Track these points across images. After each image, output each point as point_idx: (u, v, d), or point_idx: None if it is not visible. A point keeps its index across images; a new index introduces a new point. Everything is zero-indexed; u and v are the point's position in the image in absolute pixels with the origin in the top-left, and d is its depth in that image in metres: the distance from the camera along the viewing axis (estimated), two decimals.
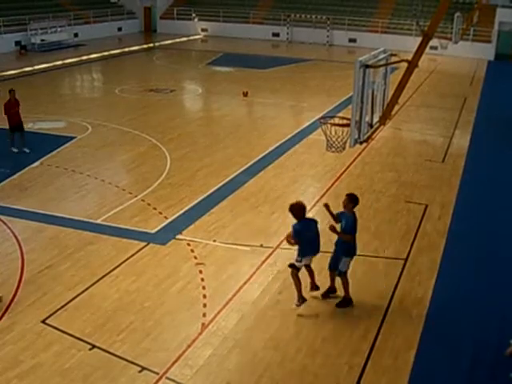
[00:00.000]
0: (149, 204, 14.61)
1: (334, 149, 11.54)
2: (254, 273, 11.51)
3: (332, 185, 16.14)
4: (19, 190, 15.79)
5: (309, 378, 8.72)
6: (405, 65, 11.20)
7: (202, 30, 49.13)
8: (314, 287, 10.56)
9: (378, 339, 9.57)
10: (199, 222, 13.69)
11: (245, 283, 11.13)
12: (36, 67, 33.34)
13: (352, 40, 44.28)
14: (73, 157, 18.09)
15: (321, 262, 10.84)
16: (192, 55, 41.44)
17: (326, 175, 16.90)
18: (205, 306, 10.36)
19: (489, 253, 12.75)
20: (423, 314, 10.27)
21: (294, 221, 10.16)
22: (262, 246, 12.50)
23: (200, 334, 9.62)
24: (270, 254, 12.17)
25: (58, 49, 39.79)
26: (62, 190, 15.64)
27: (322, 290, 10.73)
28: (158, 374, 8.67)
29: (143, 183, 15.98)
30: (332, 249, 10.64)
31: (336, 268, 10.51)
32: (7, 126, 18.17)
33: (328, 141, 11.52)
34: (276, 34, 46.82)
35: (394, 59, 11.49)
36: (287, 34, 46.26)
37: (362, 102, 10.09)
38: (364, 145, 11.84)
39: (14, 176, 16.46)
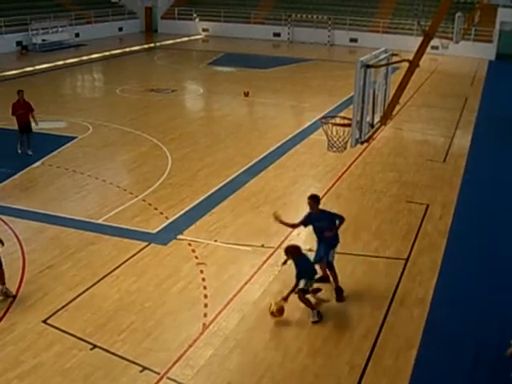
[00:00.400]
0: (150, 204, 14.61)
1: (335, 149, 11.55)
2: (255, 273, 11.51)
3: (333, 185, 16.14)
4: (20, 189, 15.81)
5: (309, 378, 8.72)
6: (406, 65, 11.20)
7: (203, 29, 49.13)
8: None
9: (378, 339, 9.57)
10: (200, 222, 13.70)
11: (246, 283, 11.13)
12: (37, 67, 33.36)
13: (353, 40, 44.27)
14: (74, 157, 18.09)
15: None
16: (193, 55, 41.46)
17: (326, 175, 16.90)
18: (206, 306, 10.36)
19: (490, 253, 12.74)
20: (424, 314, 10.27)
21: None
22: (263, 246, 12.50)
23: (201, 334, 9.62)
24: (271, 254, 12.16)
25: (59, 49, 39.80)
26: (63, 190, 15.64)
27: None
28: (159, 374, 8.67)
29: (144, 183, 15.99)
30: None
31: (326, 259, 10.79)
32: (14, 127, 18.17)
33: (329, 141, 11.52)
34: (277, 34, 46.83)
35: (395, 59, 11.50)
36: (288, 33, 46.27)
37: (363, 102, 10.10)
38: (365, 145, 11.83)
39: (15, 176, 16.47)
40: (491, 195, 16.06)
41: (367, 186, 16.12)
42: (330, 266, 10.88)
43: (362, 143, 10.74)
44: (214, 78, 33.22)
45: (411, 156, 19.04)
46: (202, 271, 11.48)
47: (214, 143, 19.80)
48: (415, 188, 16.14)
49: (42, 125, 20.57)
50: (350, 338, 9.61)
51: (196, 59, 39.87)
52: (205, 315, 10.09)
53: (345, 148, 11.44)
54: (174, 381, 8.58)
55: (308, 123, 22.07)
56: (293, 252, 10.25)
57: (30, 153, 17.99)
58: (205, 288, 10.90)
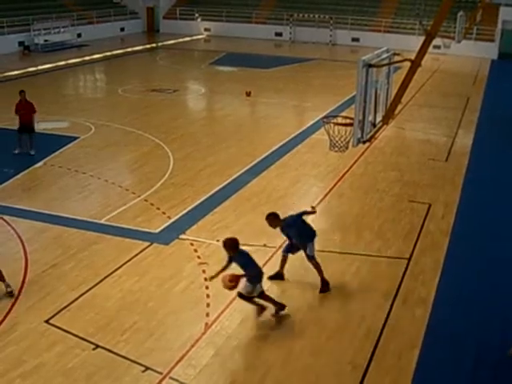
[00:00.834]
0: (152, 204, 14.62)
1: (337, 148, 11.54)
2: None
3: (335, 184, 16.14)
4: (23, 189, 15.82)
5: (312, 378, 8.73)
6: (408, 64, 11.18)
7: (205, 29, 49.16)
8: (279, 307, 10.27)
9: (381, 339, 9.57)
10: (202, 221, 13.71)
11: None
12: (39, 67, 33.38)
13: (355, 39, 44.26)
14: (76, 157, 18.11)
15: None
16: (195, 55, 41.48)
17: (328, 175, 16.90)
18: (208, 305, 10.36)
19: (492, 253, 12.73)
20: (426, 314, 10.26)
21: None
22: (265, 245, 12.49)
23: (203, 333, 9.63)
24: (274, 254, 12.15)
25: (61, 49, 39.83)
26: (66, 189, 15.66)
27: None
28: (161, 373, 8.68)
29: (146, 183, 16.00)
30: None
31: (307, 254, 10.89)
32: (16, 127, 18.21)
33: (331, 140, 11.51)
34: (279, 34, 46.84)
35: (397, 58, 11.49)
36: (290, 33, 46.28)
37: (365, 102, 10.09)
38: (367, 144, 11.83)
39: (18, 176, 16.49)
40: (493, 194, 16.06)
41: (369, 186, 16.13)
42: (311, 259, 10.92)
43: (364, 143, 10.74)
44: (216, 77, 33.23)
45: (413, 155, 19.04)
46: (204, 271, 11.48)
47: (216, 143, 19.81)
48: (417, 187, 16.13)
49: (44, 125, 20.65)
50: (353, 338, 9.61)
51: (198, 59, 39.89)
52: (207, 315, 10.10)
53: (347, 147, 11.44)
54: (177, 380, 8.59)
55: (310, 123, 22.08)
56: (231, 246, 9.75)
57: (32, 153, 17.99)
58: (207, 288, 10.90)
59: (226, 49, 41.62)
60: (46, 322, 9.89)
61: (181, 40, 45.62)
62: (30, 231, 13.14)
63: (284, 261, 11.21)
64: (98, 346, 9.26)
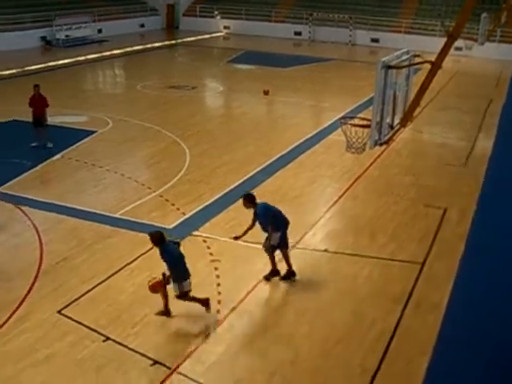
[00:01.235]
0: (167, 200, 14.65)
1: (353, 150, 11.50)
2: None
3: (350, 186, 16.07)
4: (40, 181, 15.96)
5: (320, 379, 8.71)
6: (428, 66, 11.12)
7: (225, 27, 49.18)
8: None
9: (391, 343, 9.52)
10: (216, 218, 13.71)
11: (259, 281, 11.12)
12: (60, 62, 33.56)
13: (374, 40, 44.05)
14: (93, 151, 18.21)
15: None
16: (214, 52, 41.51)
17: (344, 176, 16.84)
18: (219, 302, 10.37)
19: (507, 259, 12.60)
20: (439, 319, 10.17)
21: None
22: None
23: (213, 330, 9.65)
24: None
25: (81, 44, 40.03)
26: (82, 183, 15.75)
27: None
28: (169, 368, 8.71)
29: (162, 179, 16.04)
30: None
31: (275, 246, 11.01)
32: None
33: (348, 141, 11.48)
34: (298, 33, 46.72)
35: (417, 60, 11.43)
36: (309, 32, 46.15)
37: (383, 103, 10.06)
38: (384, 146, 11.79)
39: (36, 168, 16.63)
40: (511, 201, 15.89)
41: (384, 189, 16.05)
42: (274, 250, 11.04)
43: (381, 145, 10.70)
44: (234, 75, 33.25)
45: (430, 159, 18.90)
46: (216, 268, 11.50)
47: (233, 141, 19.82)
48: (433, 192, 16.01)
49: (63, 118, 20.80)
50: (363, 341, 9.57)
51: (216, 56, 39.92)
52: (218, 311, 10.11)
53: (363, 149, 11.39)
54: (185, 376, 8.61)
55: (327, 123, 22.00)
56: (155, 240, 9.74)
57: (49, 145, 18.11)
58: (218, 285, 10.92)
59: (244, 47, 41.60)
60: (59, 312, 9.97)
61: (200, 37, 45.67)
62: (46, 222, 13.24)
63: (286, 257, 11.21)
64: (108, 338, 9.32)
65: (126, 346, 9.15)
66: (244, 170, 16.87)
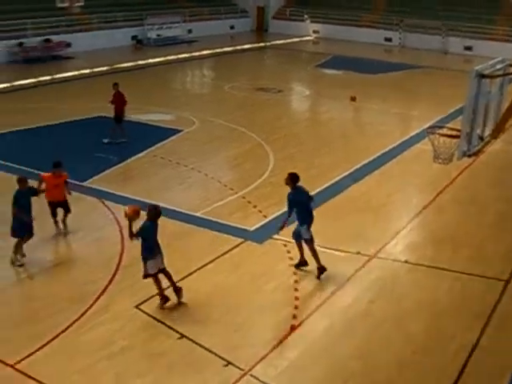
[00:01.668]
0: (249, 202, 14.69)
1: (440, 160, 11.17)
2: (348, 280, 11.34)
3: (435, 197, 15.63)
4: (124, 177, 16.36)
5: None
6: None
7: (314, 31, 49.01)
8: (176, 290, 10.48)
9: (469, 362, 9.15)
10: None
11: (337, 289, 10.98)
12: (150, 61, 34.37)
13: (468, 48, 42.80)
14: (178, 149, 18.51)
15: None
16: (302, 56, 41.42)
17: (430, 186, 16.41)
18: (296, 307, 10.30)
19: None
20: None
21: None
22: (359, 253, 12.28)
23: (288, 335, 9.58)
24: (367, 262, 11.94)
25: (172, 44, 40.86)
26: (166, 180, 16.02)
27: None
28: (242, 370, 8.71)
29: (245, 180, 16.09)
30: None
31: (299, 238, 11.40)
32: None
33: (435, 151, 11.16)
34: (388, 39, 45.99)
35: None
36: (399, 38, 45.36)
37: (474, 114, 9.71)
38: (472, 158, 11.40)
39: (121, 164, 17.07)
40: None
41: (471, 201, 15.52)
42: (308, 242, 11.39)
43: (470, 156, 10.34)
44: (322, 80, 33.06)
45: None
46: (295, 273, 11.43)
47: (318, 146, 19.66)
48: None
49: (150, 116, 21.26)
50: (441, 355, 9.27)
51: (305, 60, 39.82)
52: (294, 317, 10.04)
53: (451, 160, 11.05)
54: (257, 379, 8.59)
55: (415, 132, 21.49)
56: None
57: (123, 140, 18.58)
58: (296, 290, 10.85)
59: (333, 51, 41.33)
60: (136, 307, 10.16)
61: (289, 41, 45.70)
62: None
63: (300, 247, 11.55)
64: (183, 336, 9.42)
65: (199, 345, 9.21)
66: (328, 175, 16.67)
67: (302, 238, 11.33)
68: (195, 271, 11.39)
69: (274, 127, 21.58)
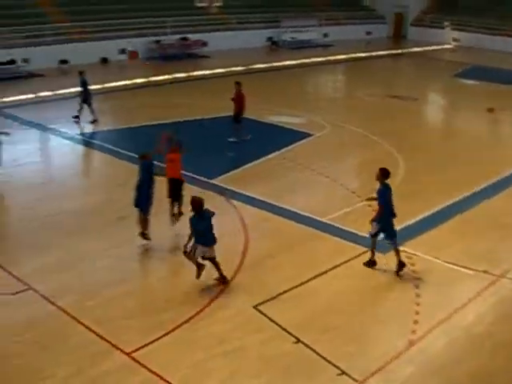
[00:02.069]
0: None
1: None
2: (473, 298, 10.88)
3: None
4: (252, 178, 16.59)
5: None
6: None
7: (454, 39, 47.49)
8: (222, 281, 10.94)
9: None
10: (422, 236, 13.23)
11: (460, 307, 10.57)
12: (284, 63, 34.71)
13: None
14: (307, 153, 18.57)
15: None
16: (440, 65, 40.19)
17: None
18: (416, 322, 10.04)
19: None
20: None
21: None
22: (486, 271, 11.75)
23: (406, 349, 9.36)
24: (494, 282, 11.41)
25: (306, 47, 41.08)
26: (293, 184, 16.14)
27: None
28: (356, 380, 8.60)
29: (373, 188, 15.80)
30: None
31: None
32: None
33: None
34: None
35: None
36: None
37: None
38: None
39: (250, 164, 17.38)
40: None
41: None
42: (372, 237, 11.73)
43: None
44: (459, 90, 31.92)
45: None
46: (417, 286, 11.14)
47: (450, 159, 18.90)
48: None
49: (281, 118, 21.49)
50: None
51: (442, 69, 38.58)
52: (413, 331, 9.78)
53: None
54: None
55: None
56: (195, 206, 10.62)
57: (248, 137, 19.04)
58: (417, 304, 10.57)
59: (472, 61, 39.79)
60: (255, 307, 10.29)
61: (427, 48, 44.54)
62: (252, 218, 13.78)
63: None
64: (299, 341, 9.43)
65: (315, 351, 9.19)
66: (458, 188, 15.95)
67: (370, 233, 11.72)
68: (316, 276, 11.37)
69: (407, 136, 21.11)
